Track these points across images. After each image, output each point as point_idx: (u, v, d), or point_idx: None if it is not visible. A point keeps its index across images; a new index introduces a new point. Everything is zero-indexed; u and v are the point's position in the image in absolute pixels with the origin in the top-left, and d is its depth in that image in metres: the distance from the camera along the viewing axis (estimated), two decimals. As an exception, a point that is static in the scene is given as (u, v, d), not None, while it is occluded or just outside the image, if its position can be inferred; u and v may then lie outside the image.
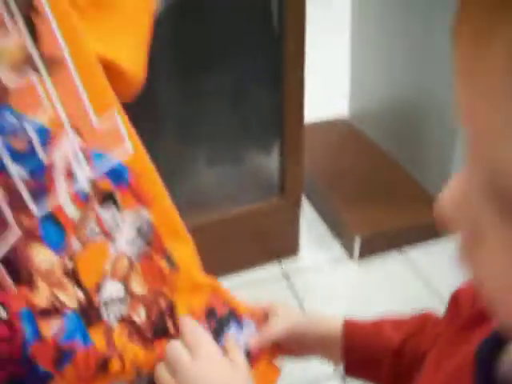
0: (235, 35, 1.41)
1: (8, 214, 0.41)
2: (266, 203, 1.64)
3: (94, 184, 0.46)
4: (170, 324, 0.51)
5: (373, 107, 2.19)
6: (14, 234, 0.41)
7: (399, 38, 1.89)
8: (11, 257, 0.41)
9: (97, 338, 0.47)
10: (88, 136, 0.46)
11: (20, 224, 0.42)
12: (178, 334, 0.52)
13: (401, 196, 1.77)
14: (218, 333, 0.54)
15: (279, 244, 1.69)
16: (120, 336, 0.49)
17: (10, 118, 0.41)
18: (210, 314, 0.54)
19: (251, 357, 0.56)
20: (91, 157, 0.46)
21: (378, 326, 0.59)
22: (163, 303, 0.51)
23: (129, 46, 0.54)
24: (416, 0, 1.77)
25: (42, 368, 0.44)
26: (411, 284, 1.53)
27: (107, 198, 0.47)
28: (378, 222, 1.68)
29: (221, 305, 0.55)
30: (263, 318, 0.58)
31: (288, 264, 1.70)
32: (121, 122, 0.48)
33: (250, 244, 1.64)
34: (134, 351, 0.50)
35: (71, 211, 0.44)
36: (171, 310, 0.51)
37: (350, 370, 0.59)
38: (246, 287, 1.62)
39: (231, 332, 0.54)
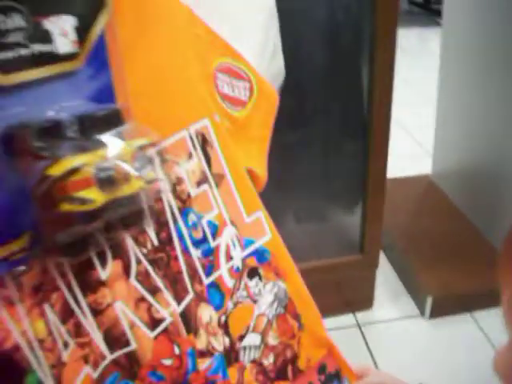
0: (326, 92, 1.53)
1: (188, 282, 0.57)
2: (345, 259, 1.77)
3: (244, 261, 0.62)
4: (289, 370, 0.66)
5: (455, 167, 2.24)
6: (190, 296, 0.57)
7: (487, 101, 1.93)
8: (186, 312, 0.57)
9: (232, 374, 0.62)
10: (241, 228, 0.62)
11: (194, 289, 0.58)
12: (294, 379, 0.66)
13: (476, 259, 1.83)
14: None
15: (355, 297, 1.82)
16: (249, 373, 0.64)
17: (192, 217, 0.58)
18: (321, 367, 0.69)
19: None
20: (243, 242, 0.62)
21: None
22: (289, 353, 0.66)
23: (259, 155, 0.71)
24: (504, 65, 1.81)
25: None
26: (479, 348, 1.60)
27: (253, 272, 0.63)
28: (451, 284, 1.76)
29: (332, 362, 0.69)
30: (358, 376, 0.72)
31: (362, 316, 1.81)
32: (264, 218, 0.64)
33: (329, 294, 1.77)
34: None
35: (228, 281, 0.60)
36: (294, 359, 0.66)
37: None
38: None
39: None
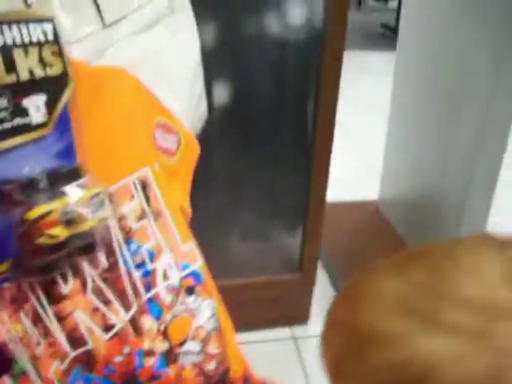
0: (273, 124, 1.66)
1: (131, 296, 0.75)
2: (285, 276, 1.93)
3: (181, 281, 0.80)
4: (227, 376, 0.84)
5: (401, 194, 2.33)
6: (135, 308, 0.75)
7: (431, 131, 2.01)
8: (133, 320, 0.75)
9: (171, 372, 0.80)
10: (178, 254, 0.80)
11: (137, 302, 0.75)
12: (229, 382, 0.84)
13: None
14: None
15: (292, 312, 1.98)
16: (188, 374, 0.81)
17: (133, 246, 0.75)
18: (245, 380, 0.87)
19: None
20: (180, 266, 0.80)
21: None
22: (225, 363, 0.84)
23: (185, 194, 0.89)
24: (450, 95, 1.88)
25: (140, 382, 0.77)
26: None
27: (191, 290, 0.81)
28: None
29: (251, 376, 0.87)
30: None
31: (298, 330, 1.98)
32: (196, 248, 0.83)
33: (267, 308, 1.94)
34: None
35: (165, 297, 0.78)
36: (227, 370, 0.85)
37: None
38: (260, 344, 1.92)
39: None
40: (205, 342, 0.83)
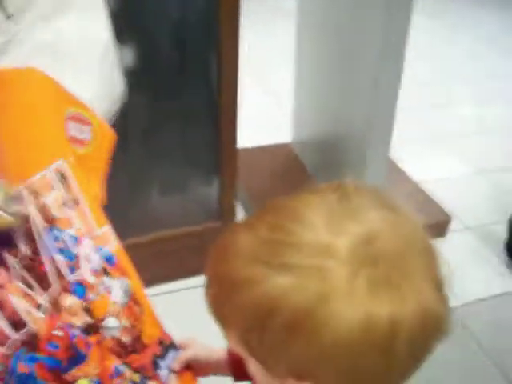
0: (180, 79, 1.72)
1: (52, 279, 0.83)
2: (206, 225, 2.04)
3: (100, 264, 0.89)
4: (139, 345, 0.94)
5: (310, 136, 2.47)
6: (56, 289, 0.84)
7: (334, 74, 2.15)
8: (51, 299, 0.83)
9: (92, 340, 0.89)
10: (94, 239, 0.89)
11: (59, 283, 0.84)
12: (144, 348, 0.94)
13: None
14: (163, 354, 0.97)
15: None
16: (108, 343, 0.91)
17: (56, 233, 0.83)
18: (160, 341, 0.97)
19: (177, 372, 0.98)
20: (98, 250, 0.89)
21: None
22: (136, 332, 0.94)
23: (97, 182, 0.97)
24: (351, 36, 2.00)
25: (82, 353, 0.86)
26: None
27: (105, 271, 0.90)
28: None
29: (166, 337, 0.98)
30: (183, 347, 0.99)
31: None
32: (111, 231, 0.91)
33: (193, 257, 2.04)
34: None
35: (89, 278, 0.87)
36: (140, 336, 0.95)
37: (236, 378, 0.96)
38: (187, 290, 2.04)
39: (170, 355, 0.97)
40: (119, 317, 0.93)
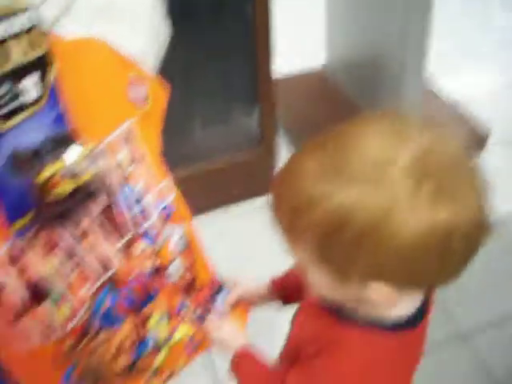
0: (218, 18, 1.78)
1: (129, 227, 0.95)
2: (248, 154, 2.12)
3: (160, 214, 1.00)
4: (197, 284, 1.07)
5: (344, 59, 2.45)
6: (129, 237, 0.96)
7: None
8: (126, 245, 0.95)
9: (159, 281, 1.02)
10: (156, 191, 1.00)
11: (132, 233, 0.96)
12: (202, 287, 1.06)
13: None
14: (218, 292, 1.07)
15: (260, 185, 2.17)
16: (175, 286, 1.03)
17: (131, 187, 0.94)
18: (213, 282, 1.08)
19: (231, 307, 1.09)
20: (161, 201, 1.00)
21: (288, 275, 1.05)
22: (194, 273, 1.06)
23: (156, 136, 1.06)
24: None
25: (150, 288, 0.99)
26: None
27: (166, 221, 1.01)
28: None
29: (216, 282, 1.08)
30: (231, 285, 1.08)
31: (265, 199, 2.20)
32: (169, 183, 1.02)
33: (237, 185, 2.14)
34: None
35: (156, 227, 0.99)
36: (197, 277, 1.07)
37: (284, 302, 1.05)
38: (235, 218, 2.16)
39: (224, 292, 1.09)
40: (180, 260, 1.05)
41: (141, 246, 0.99)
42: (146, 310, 1.01)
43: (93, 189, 0.88)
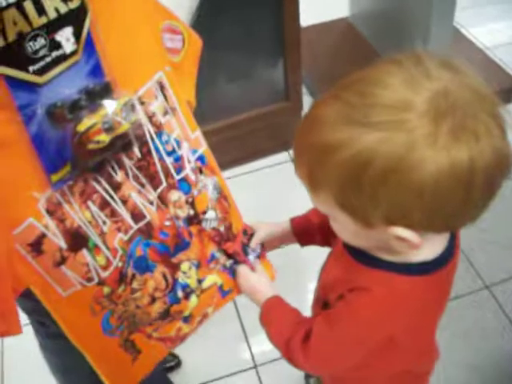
0: None
1: (162, 177, 0.97)
2: (273, 107, 2.15)
3: (195, 163, 1.02)
4: (230, 234, 1.09)
5: (369, 8, 2.44)
6: (163, 186, 0.98)
7: None
8: (160, 195, 0.98)
9: (193, 230, 1.04)
10: (190, 142, 1.01)
11: (167, 182, 0.98)
12: (234, 237, 1.09)
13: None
14: (248, 242, 1.11)
15: (286, 138, 2.20)
16: (209, 235, 1.06)
17: (165, 137, 0.96)
18: (244, 231, 1.11)
19: (260, 257, 1.13)
20: (193, 152, 1.01)
21: (308, 216, 1.09)
22: (227, 223, 1.08)
23: (191, 87, 1.06)
24: None
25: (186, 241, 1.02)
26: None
27: (200, 170, 1.03)
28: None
29: (248, 228, 1.11)
30: (254, 230, 1.13)
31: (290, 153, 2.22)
32: (200, 134, 1.03)
33: (263, 138, 2.17)
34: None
35: (192, 176, 1.00)
36: (230, 227, 1.09)
37: (301, 243, 1.11)
38: (264, 169, 2.18)
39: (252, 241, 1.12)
40: (215, 210, 1.07)
41: (175, 195, 1.01)
42: (178, 257, 1.04)
43: (128, 140, 0.90)
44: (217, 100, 2.01)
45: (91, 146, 0.84)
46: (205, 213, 1.06)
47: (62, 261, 0.88)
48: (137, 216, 0.96)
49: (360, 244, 0.78)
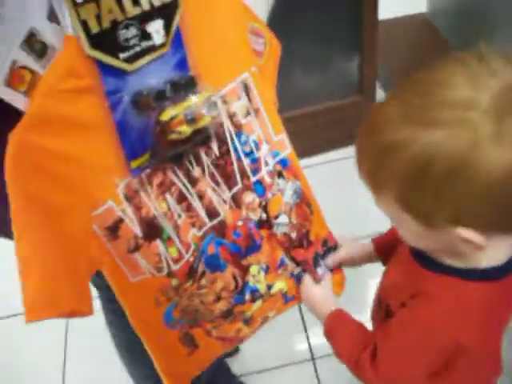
0: None
1: (238, 178, 0.97)
2: (347, 100, 2.13)
3: (274, 166, 1.02)
4: (305, 241, 1.08)
5: (449, 4, 2.36)
6: (238, 187, 0.98)
7: None
8: (235, 196, 0.98)
9: (264, 233, 1.04)
10: (272, 144, 1.01)
11: (243, 183, 0.98)
12: (308, 246, 1.07)
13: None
14: (324, 254, 1.10)
15: (356, 131, 2.16)
16: (279, 240, 1.05)
17: (244, 137, 0.96)
18: (324, 242, 1.10)
19: (332, 271, 1.10)
20: (272, 154, 1.01)
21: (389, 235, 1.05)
22: (304, 230, 1.07)
23: (272, 88, 1.07)
24: None
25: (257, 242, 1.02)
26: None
27: (280, 174, 1.03)
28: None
29: (331, 239, 1.10)
30: (338, 245, 1.11)
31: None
32: (286, 138, 1.02)
33: (335, 131, 2.15)
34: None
35: (267, 179, 1.01)
36: (307, 234, 1.08)
37: (384, 262, 1.06)
38: (336, 162, 2.19)
39: (330, 255, 1.10)
40: (290, 215, 1.06)
41: (250, 196, 1.01)
42: (248, 259, 1.04)
43: (208, 135, 0.91)
44: (291, 91, 2.00)
45: (173, 137, 0.85)
46: (277, 217, 1.05)
47: (136, 248, 0.89)
48: (211, 213, 0.96)
49: (424, 246, 0.76)
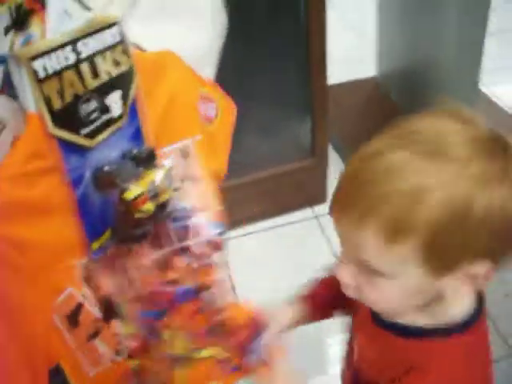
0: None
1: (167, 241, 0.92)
2: (300, 163, 2.14)
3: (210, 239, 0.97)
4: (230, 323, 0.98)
5: (397, 68, 2.44)
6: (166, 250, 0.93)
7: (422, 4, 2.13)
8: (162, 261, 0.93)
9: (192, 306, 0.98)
10: (209, 215, 0.94)
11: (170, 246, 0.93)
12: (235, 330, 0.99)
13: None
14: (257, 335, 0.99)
15: (311, 194, 2.19)
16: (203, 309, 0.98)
17: (176, 203, 0.91)
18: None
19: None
20: (210, 226, 0.95)
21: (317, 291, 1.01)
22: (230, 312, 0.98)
23: (223, 155, 1.03)
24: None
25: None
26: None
27: (217, 246, 0.96)
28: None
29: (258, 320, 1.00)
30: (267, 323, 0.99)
31: (318, 209, 2.22)
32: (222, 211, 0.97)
33: (289, 194, 2.16)
34: None
35: (195, 249, 0.94)
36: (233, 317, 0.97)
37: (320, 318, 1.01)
38: (287, 226, 2.17)
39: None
40: (219, 292, 0.98)
41: (178, 261, 0.94)
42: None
43: (172, 209, 0.87)
44: (242, 154, 1.99)
45: (139, 215, 0.80)
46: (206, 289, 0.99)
47: (96, 333, 0.84)
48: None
49: (403, 304, 0.73)
